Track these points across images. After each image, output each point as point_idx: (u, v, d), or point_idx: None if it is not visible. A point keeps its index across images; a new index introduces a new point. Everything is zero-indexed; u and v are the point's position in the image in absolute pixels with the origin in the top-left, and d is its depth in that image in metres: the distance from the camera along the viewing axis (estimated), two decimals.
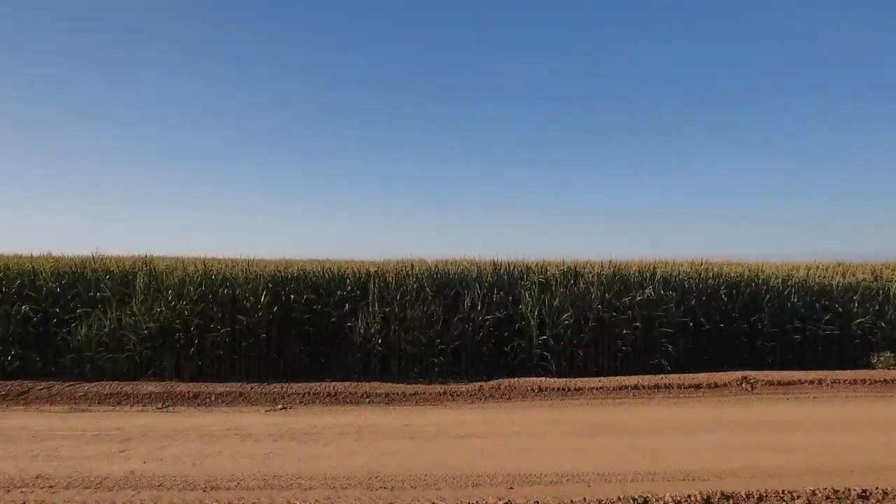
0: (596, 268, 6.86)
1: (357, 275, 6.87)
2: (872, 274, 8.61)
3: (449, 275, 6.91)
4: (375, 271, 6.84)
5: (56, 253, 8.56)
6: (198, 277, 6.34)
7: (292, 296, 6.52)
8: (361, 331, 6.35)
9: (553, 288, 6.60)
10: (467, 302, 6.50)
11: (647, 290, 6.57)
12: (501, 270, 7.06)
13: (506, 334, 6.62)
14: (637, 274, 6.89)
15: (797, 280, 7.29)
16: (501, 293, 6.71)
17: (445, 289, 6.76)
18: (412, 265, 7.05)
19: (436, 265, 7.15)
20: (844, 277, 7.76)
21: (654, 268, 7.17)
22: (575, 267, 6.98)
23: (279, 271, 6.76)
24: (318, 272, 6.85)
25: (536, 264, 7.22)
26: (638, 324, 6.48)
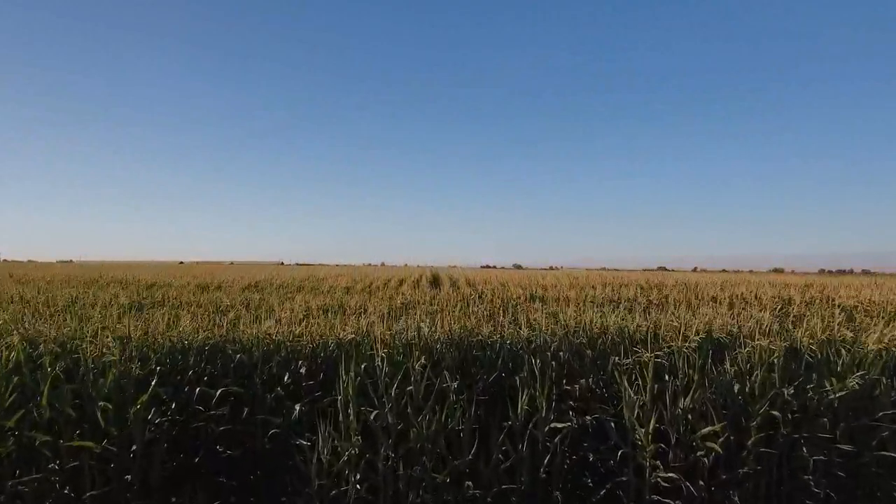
0: (762, 340, 3.78)
1: (318, 343, 3.87)
2: None
3: (485, 345, 3.91)
4: (353, 339, 3.85)
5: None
6: (10, 359, 3.34)
7: (198, 389, 3.53)
8: (324, 456, 3.35)
9: (679, 371, 3.58)
10: (523, 400, 3.48)
11: (852, 380, 3.55)
12: (578, 336, 4.03)
13: (591, 458, 3.63)
14: (820, 344, 3.87)
15: None
16: (582, 381, 3.71)
17: (479, 371, 3.77)
18: (418, 327, 4.03)
19: (461, 327, 4.13)
20: None
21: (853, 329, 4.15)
22: (709, 330, 3.95)
23: (177, 340, 3.76)
24: (251, 341, 3.84)
25: (637, 324, 4.20)
26: (841, 444, 3.47)
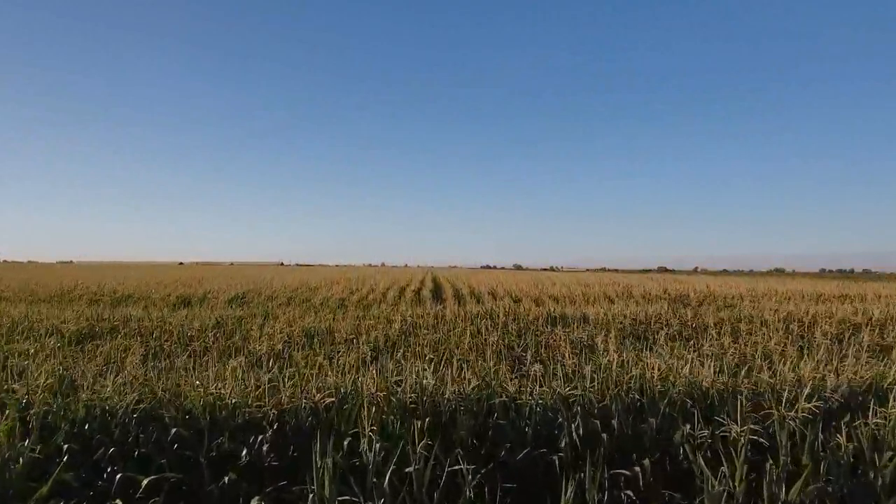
0: None
1: (287, 408, 2.90)
2: None
3: (510, 406, 2.93)
4: (331, 403, 2.88)
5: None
6: None
7: (119, 475, 2.58)
8: None
9: (781, 449, 2.62)
10: (567, 497, 2.52)
11: None
12: (631, 392, 3.05)
13: None
14: None
15: None
16: (645, 461, 2.74)
17: (502, 445, 2.80)
18: (421, 386, 3.04)
19: (479, 380, 3.13)
20: None
21: None
22: (809, 385, 2.97)
23: (95, 406, 2.80)
24: (197, 403, 2.87)
25: (712, 379, 3.19)
26: None
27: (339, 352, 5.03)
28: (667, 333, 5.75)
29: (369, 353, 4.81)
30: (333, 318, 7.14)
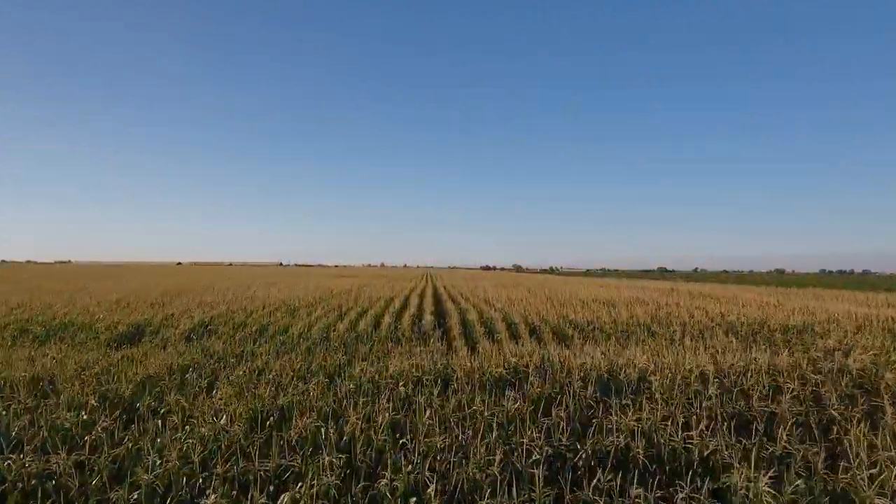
0: None
1: None
2: None
3: None
4: None
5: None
6: None
7: None
8: None
9: None
10: None
11: None
12: None
13: None
14: None
15: None
16: None
17: None
18: None
19: None
20: None
21: None
22: None
23: None
24: None
25: None
26: None
27: (293, 466, 3.23)
28: (790, 425, 3.92)
29: (336, 480, 2.99)
30: (305, 367, 5.33)
